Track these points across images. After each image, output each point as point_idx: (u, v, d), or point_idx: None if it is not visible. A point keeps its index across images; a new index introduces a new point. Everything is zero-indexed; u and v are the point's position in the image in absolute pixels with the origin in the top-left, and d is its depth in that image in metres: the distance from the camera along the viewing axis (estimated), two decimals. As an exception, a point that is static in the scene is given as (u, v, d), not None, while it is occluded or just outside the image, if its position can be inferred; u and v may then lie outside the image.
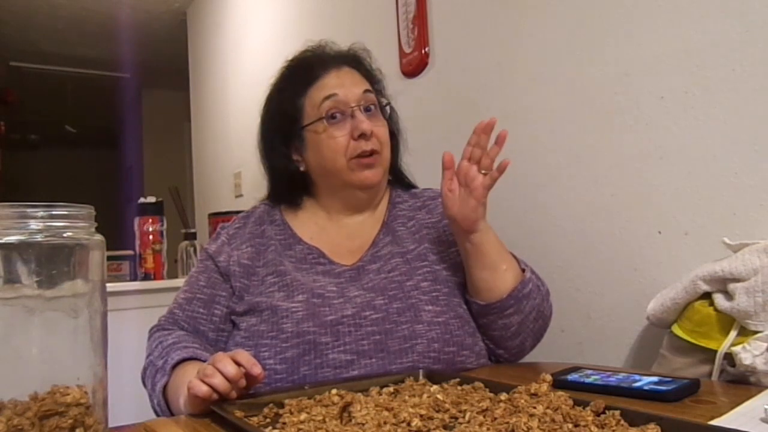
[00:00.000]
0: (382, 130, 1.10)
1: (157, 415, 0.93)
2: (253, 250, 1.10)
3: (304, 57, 1.18)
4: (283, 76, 1.18)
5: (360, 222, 1.14)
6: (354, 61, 1.16)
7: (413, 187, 1.24)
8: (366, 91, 1.11)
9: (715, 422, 0.64)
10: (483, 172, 0.98)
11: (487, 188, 0.98)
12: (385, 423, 0.65)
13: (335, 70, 1.12)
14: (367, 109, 1.09)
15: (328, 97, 1.08)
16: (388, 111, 1.15)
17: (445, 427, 0.66)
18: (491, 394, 0.76)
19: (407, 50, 1.77)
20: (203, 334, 1.04)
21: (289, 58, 1.19)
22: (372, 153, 1.07)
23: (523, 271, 1.03)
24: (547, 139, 1.36)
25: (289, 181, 1.16)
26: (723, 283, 0.93)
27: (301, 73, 1.14)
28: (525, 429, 0.61)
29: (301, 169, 1.14)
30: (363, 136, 1.06)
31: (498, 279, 1.00)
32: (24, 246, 0.58)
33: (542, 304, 1.05)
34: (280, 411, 0.74)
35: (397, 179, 1.23)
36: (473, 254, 1.01)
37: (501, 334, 1.03)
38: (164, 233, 2.08)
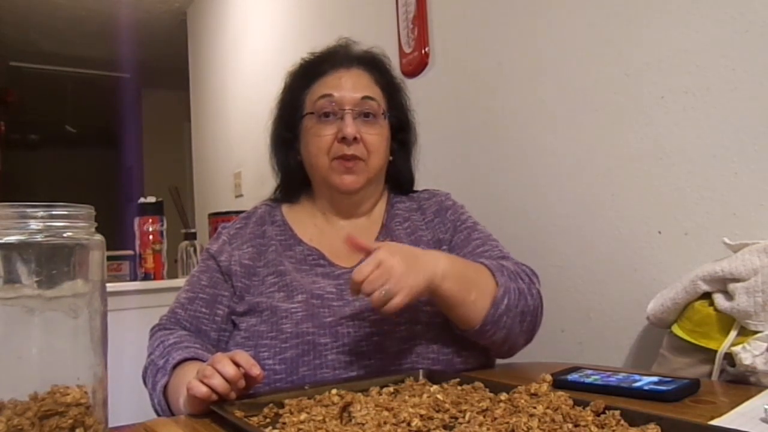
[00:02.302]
0: (373, 138, 1.08)
1: (158, 414, 0.93)
2: (254, 250, 1.10)
3: (321, 52, 1.18)
4: (299, 66, 1.19)
5: (355, 225, 1.14)
6: (369, 64, 1.15)
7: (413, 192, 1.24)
8: (366, 97, 1.09)
9: (715, 422, 0.64)
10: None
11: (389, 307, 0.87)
12: (385, 423, 0.65)
13: (343, 71, 1.12)
14: (364, 115, 1.08)
15: (323, 96, 1.09)
16: (385, 117, 1.12)
17: (445, 427, 0.66)
18: (491, 394, 0.76)
19: (407, 50, 1.77)
20: (205, 333, 1.04)
21: (313, 50, 1.20)
22: (353, 158, 1.07)
23: (497, 284, 0.96)
24: (547, 139, 1.36)
25: (291, 171, 1.17)
26: (723, 283, 0.93)
27: (312, 67, 1.16)
28: (525, 429, 0.61)
29: (299, 158, 1.15)
30: (345, 140, 1.06)
31: (469, 311, 0.95)
32: (24, 246, 0.58)
33: (526, 304, 0.98)
34: (280, 411, 0.74)
35: (399, 185, 1.21)
36: (441, 301, 0.96)
37: (490, 347, 1.01)
38: (164, 233, 2.08)
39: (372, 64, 1.16)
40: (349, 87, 1.09)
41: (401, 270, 0.87)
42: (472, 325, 0.95)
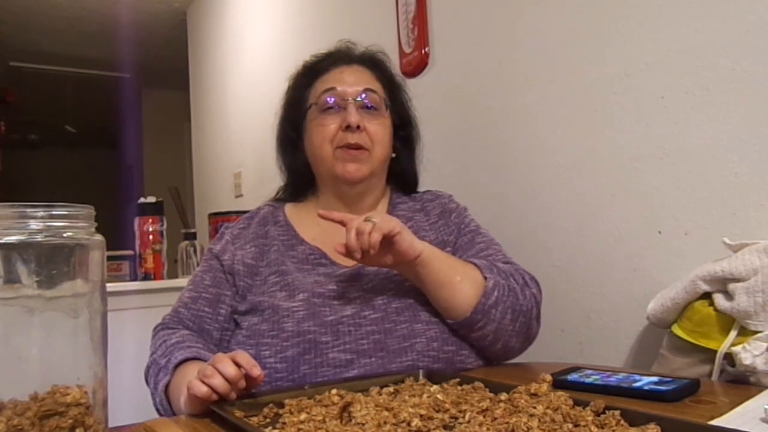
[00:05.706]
0: (377, 129, 1.10)
1: (160, 413, 0.93)
2: (256, 250, 1.10)
3: (322, 53, 1.21)
4: (301, 67, 1.21)
5: None
6: (368, 61, 1.18)
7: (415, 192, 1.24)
8: (368, 89, 1.12)
9: (715, 422, 0.64)
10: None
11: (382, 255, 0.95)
12: (385, 423, 0.65)
13: (345, 66, 1.15)
14: (368, 107, 1.11)
15: (326, 90, 1.11)
16: (387, 108, 1.14)
17: (445, 427, 0.66)
18: (491, 394, 0.76)
19: (407, 50, 1.77)
20: (208, 333, 1.05)
21: (314, 54, 1.22)
22: (358, 147, 1.08)
23: (486, 278, 0.98)
24: (547, 139, 1.36)
25: (298, 172, 1.18)
26: (723, 283, 0.93)
27: (313, 66, 1.19)
28: (525, 429, 0.61)
29: (304, 157, 1.17)
30: (348, 128, 1.07)
31: (456, 293, 0.97)
32: (24, 246, 0.58)
33: (517, 302, 0.99)
34: (280, 411, 0.74)
35: (402, 184, 1.22)
36: (425, 276, 0.97)
37: (480, 344, 1.01)
38: (164, 233, 2.08)
39: (372, 62, 1.19)
40: (351, 81, 1.12)
41: (402, 227, 0.95)
42: (462, 313, 0.96)
